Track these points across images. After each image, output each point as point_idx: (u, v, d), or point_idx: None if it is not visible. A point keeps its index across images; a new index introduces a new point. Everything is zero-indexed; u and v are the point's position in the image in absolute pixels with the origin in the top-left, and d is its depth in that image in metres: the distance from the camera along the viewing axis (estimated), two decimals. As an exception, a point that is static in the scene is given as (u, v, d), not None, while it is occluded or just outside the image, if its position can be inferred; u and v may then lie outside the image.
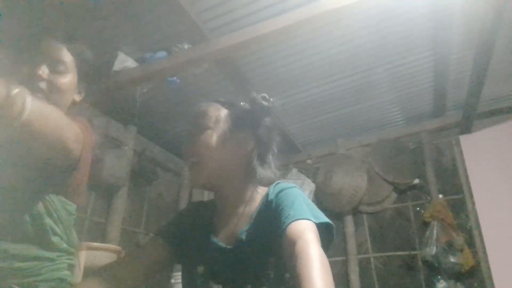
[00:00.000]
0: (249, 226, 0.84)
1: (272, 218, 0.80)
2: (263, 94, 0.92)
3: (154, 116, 3.04)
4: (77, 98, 1.17)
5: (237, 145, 0.89)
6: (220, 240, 0.86)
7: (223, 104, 0.94)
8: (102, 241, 2.53)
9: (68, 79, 1.08)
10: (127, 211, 2.85)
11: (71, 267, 0.97)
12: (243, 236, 0.83)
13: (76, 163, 0.98)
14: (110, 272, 0.84)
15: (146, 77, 2.40)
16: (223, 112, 0.92)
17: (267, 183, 0.92)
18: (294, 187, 0.85)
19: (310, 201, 0.82)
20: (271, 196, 0.84)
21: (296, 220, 0.71)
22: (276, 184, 0.88)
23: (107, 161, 2.57)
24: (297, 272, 0.60)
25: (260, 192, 0.92)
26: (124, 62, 2.34)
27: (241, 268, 0.81)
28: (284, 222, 0.72)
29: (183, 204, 3.50)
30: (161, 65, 2.32)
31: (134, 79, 2.40)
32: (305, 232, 0.68)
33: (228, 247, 0.84)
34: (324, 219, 0.76)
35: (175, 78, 2.50)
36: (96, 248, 2.06)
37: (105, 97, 2.61)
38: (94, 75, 1.21)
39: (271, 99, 0.91)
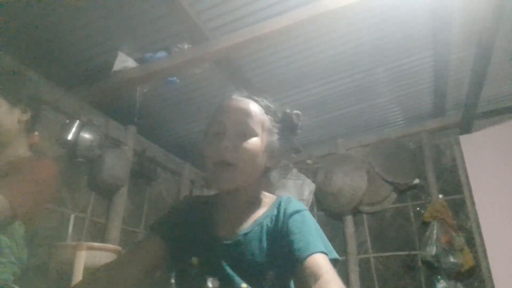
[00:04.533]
0: (251, 229, 0.84)
1: (279, 234, 0.81)
2: (297, 112, 0.94)
3: (154, 116, 3.04)
4: (23, 117, 1.29)
5: (271, 154, 0.91)
6: (219, 233, 0.86)
7: (262, 106, 0.91)
8: (102, 241, 2.53)
9: None
10: (127, 211, 2.85)
11: (15, 274, 1.15)
12: (242, 237, 0.83)
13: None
14: (109, 271, 0.84)
15: (146, 77, 2.40)
16: (266, 119, 0.90)
17: (270, 187, 0.94)
18: (306, 210, 0.86)
19: (320, 229, 0.84)
20: (283, 212, 0.84)
21: (317, 252, 0.74)
22: (289, 200, 0.88)
23: (107, 161, 2.57)
24: None
25: (267, 198, 0.92)
26: (124, 62, 2.33)
27: (235, 266, 0.81)
28: (304, 250, 0.74)
29: (183, 204, 3.50)
30: (161, 65, 2.32)
31: (134, 79, 2.40)
32: (327, 269, 0.71)
33: (225, 242, 0.84)
34: (335, 255, 0.79)
35: (175, 78, 2.50)
36: (96, 248, 2.05)
37: (105, 97, 2.61)
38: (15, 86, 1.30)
39: (301, 117, 0.94)
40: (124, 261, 0.89)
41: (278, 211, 0.85)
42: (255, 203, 0.90)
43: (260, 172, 0.90)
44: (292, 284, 0.84)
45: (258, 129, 0.86)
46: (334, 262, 0.77)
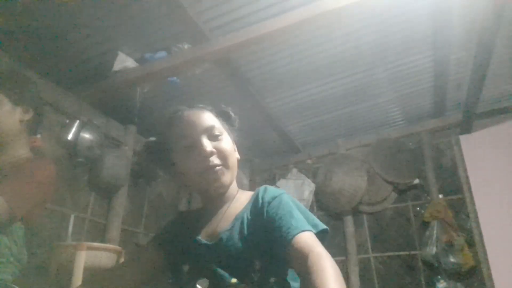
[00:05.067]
0: (232, 225, 0.86)
1: (261, 223, 0.82)
2: (226, 106, 1.01)
3: (154, 116, 3.04)
4: (25, 117, 1.30)
5: (236, 147, 0.98)
6: (202, 238, 0.88)
7: (209, 110, 0.96)
8: (102, 241, 2.53)
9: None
10: (127, 211, 2.85)
11: (14, 274, 1.17)
12: (224, 236, 0.85)
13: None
14: (109, 279, 0.89)
15: (146, 77, 2.40)
16: (220, 119, 0.97)
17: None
18: (284, 193, 0.87)
19: (303, 207, 0.84)
20: (261, 201, 0.85)
21: (301, 231, 0.73)
22: (265, 188, 0.90)
23: (107, 161, 2.57)
24: (313, 286, 0.62)
25: (246, 194, 0.95)
26: (124, 62, 2.33)
27: (224, 264, 0.82)
28: (287, 233, 0.74)
29: (182, 204, 3.50)
30: (161, 65, 2.32)
31: (134, 79, 2.40)
32: (315, 245, 0.71)
33: (209, 243, 0.86)
34: (322, 226, 0.80)
35: (175, 78, 2.50)
36: (96, 248, 2.05)
37: (105, 97, 2.61)
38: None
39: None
40: (124, 270, 0.94)
41: (256, 202, 0.87)
42: (233, 201, 0.93)
43: (237, 165, 0.95)
44: (292, 276, 0.84)
45: (220, 127, 0.93)
46: (323, 233, 0.79)
